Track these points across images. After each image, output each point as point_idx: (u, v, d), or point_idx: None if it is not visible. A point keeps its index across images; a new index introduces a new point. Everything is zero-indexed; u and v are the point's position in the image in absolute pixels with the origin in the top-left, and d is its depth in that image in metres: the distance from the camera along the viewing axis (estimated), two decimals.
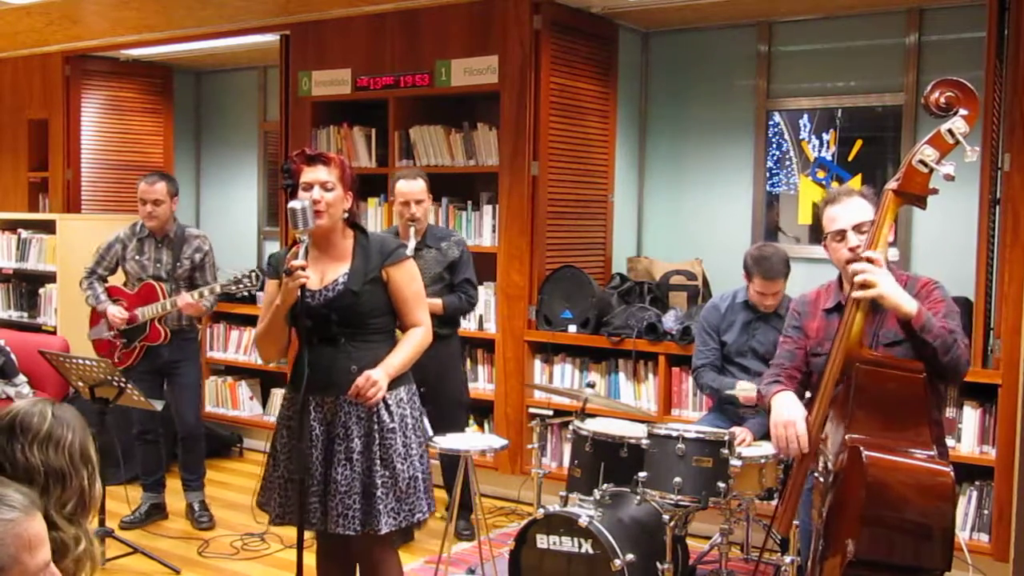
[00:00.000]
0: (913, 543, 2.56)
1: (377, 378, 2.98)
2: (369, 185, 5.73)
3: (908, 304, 2.72)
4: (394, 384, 3.08)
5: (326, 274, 3.10)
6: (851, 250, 2.95)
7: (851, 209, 2.99)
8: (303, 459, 3.03)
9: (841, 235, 2.99)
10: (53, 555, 1.85)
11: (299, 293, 2.99)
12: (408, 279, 3.13)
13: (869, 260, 2.73)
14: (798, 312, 3.25)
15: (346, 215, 3.11)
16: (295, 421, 3.07)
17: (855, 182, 5.37)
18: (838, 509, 2.68)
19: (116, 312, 4.87)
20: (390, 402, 3.06)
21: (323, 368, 3.04)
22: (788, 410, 2.96)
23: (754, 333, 4.36)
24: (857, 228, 2.95)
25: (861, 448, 2.56)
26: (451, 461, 4.58)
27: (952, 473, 2.58)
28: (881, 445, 2.60)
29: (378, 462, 3.03)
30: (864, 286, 2.71)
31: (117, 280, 5.11)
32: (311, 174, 3.06)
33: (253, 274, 4.69)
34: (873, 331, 2.95)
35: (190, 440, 5.10)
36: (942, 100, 2.70)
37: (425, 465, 3.15)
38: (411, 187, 4.61)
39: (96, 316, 5.06)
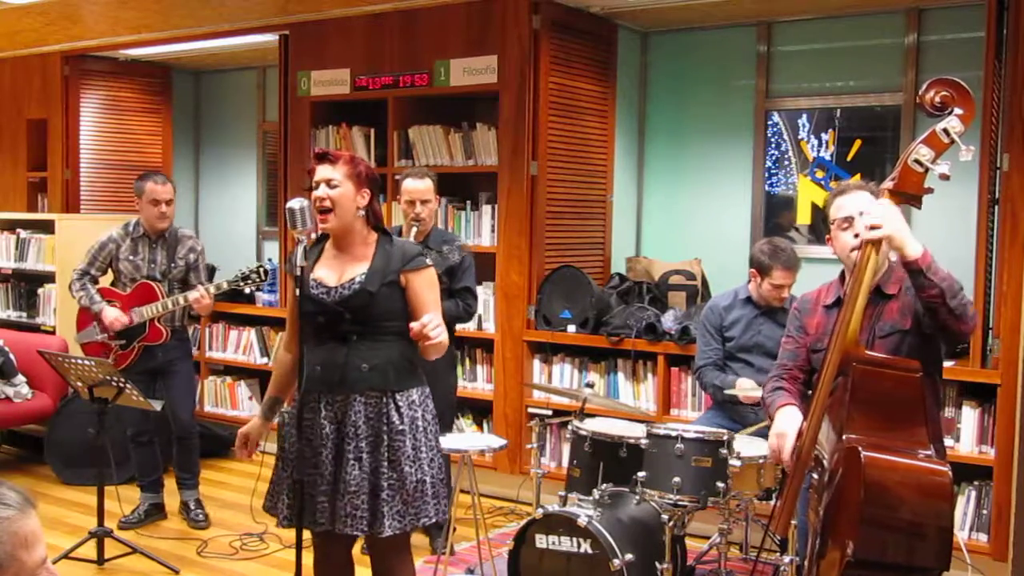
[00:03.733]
0: (912, 543, 2.56)
1: (439, 322, 2.93)
2: None
3: (914, 244, 2.72)
4: (406, 385, 3.06)
5: (344, 273, 3.08)
6: (857, 236, 2.96)
7: (859, 199, 3.00)
8: (302, 459, 3.03)
9: (849, 222, 3.00)
10: None
11: (298, 292, 3.01)
12: (426, 286, 3.10)
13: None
14: (799, 311, 3.26)
15: (361, 212, 3.08)
16: (305, 421, 3.05)
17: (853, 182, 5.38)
18: (836, 509, 2.67)
19: (116, 315, 4.83)
20: (400, 403, 3.04)
21: (335, 366, 3.03)
22: (785, 423, 3.04)
23: (760, 329, 4.37)
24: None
25: (859, 448, 2.56)
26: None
27: (950, 472, 2.58)
28: (879, 445, 2.59)
29: (385, 463, 3.00)
30: (874, 227, 2.71)
31: (106, 281, 5.09)
32: (319, 173, 3.07)
33: (261, 269, 4.66)
34: (871, 325, 2.96)
35: (185, 439, 5.09)
36: (937, 99, 2.70)
37: (436, 469, 3.09)
38: (417, 186, 4.54)
39: (85, 318, 5.00)
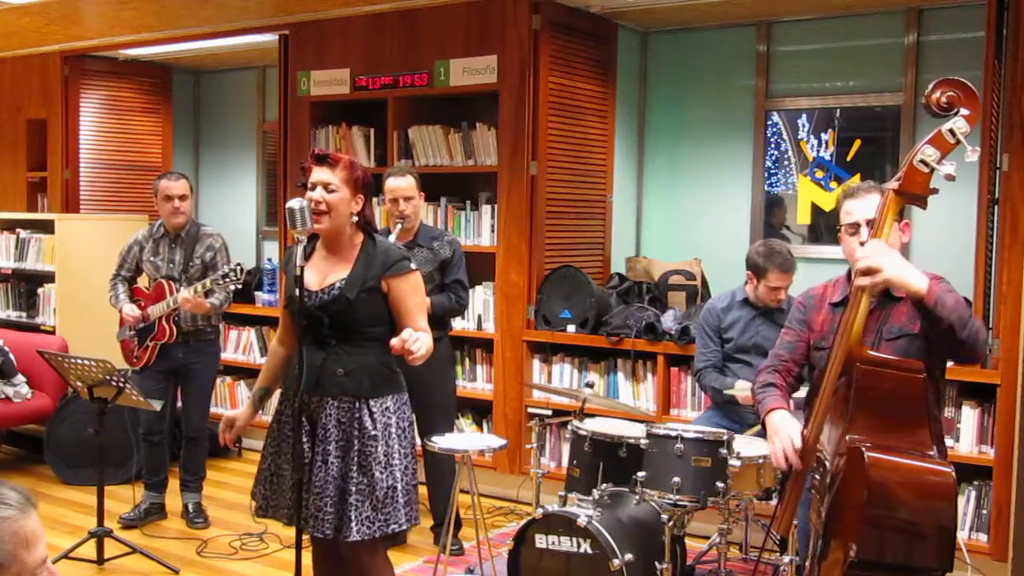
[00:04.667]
0: (915, 543, 2.56)
1: (419, 336, 2.89)
2: None
3: (918, 282, 2.67)
4: (381, 392, 3.06)
5: (327, 276, 3.09)
6: (862, 244, 2.94)
7: (868, 205, 2.98)
8: (299, 458, 3.03)
9: (855, 228, 2.99)
10: None
11: (296, 293, 3.00)
12: (410, 291, 3.08)
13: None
14: (803, 305, 3.23)
15: (355, 218, 3.08)
16: (293, 419, 3.06)
17: (854, 182, 5.37)
18: (838, 510, 2.67)
19: (129, 311, 4.90)
20: (374, 409, 3.03)
21: (313, 369, 3.05)
22: (784, 427, 2.97)
23: (758, 330, 4.38)
24: (871, 224, 2.94)
25: (863, 449, 2.55)
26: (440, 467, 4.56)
27: (953, 473, 2.57)
28: (882, 446, 2.59)
29: (355, 468, 3.00)
30: (868, 273, 2.65)
31: (143, 281, 5.15)
32: (317, 174, 3.07)
33: (238, 267, 4.67)
34: (877, 327, 2.94)
35: (194, 441, 5.10)
36: (943, 100, 2.69)
37: (409, 477, 3.09)
38: (400, 184, 4.52)
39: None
